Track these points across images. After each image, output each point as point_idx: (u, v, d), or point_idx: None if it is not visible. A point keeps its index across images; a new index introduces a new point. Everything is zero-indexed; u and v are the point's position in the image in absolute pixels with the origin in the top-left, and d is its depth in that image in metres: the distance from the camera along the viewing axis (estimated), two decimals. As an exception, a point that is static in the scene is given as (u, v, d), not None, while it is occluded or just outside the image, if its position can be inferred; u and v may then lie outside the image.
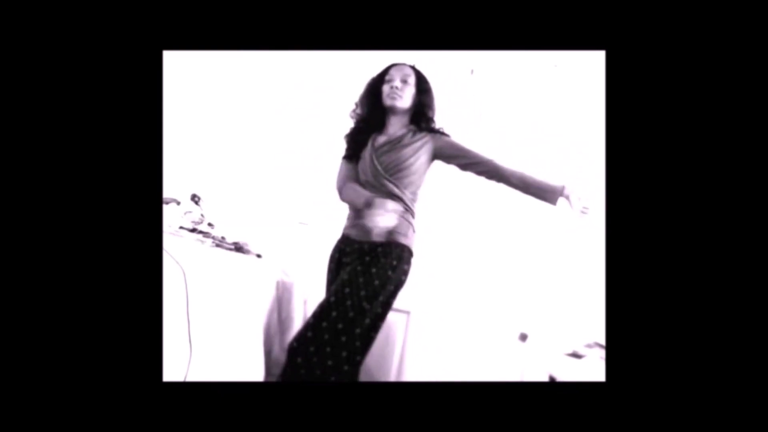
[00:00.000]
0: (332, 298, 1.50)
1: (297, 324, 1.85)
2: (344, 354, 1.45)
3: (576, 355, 1.75)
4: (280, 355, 1.75)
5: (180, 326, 1.30)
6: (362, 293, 1.49)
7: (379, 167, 1.62)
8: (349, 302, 1.48)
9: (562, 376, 1.71)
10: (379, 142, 1.67)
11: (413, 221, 1.64)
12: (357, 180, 1.68)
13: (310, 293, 1.93)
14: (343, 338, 1.45)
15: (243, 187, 2.42)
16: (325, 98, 2.36)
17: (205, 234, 1.88)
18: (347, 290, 1.50)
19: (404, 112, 1.68)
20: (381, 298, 1.52)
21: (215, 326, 1.42)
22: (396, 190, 1.61)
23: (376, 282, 1.51)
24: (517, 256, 2.24)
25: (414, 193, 1.65)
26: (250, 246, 1.90)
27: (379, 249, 1.56)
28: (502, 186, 1.64)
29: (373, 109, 1.70)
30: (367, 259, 1.55)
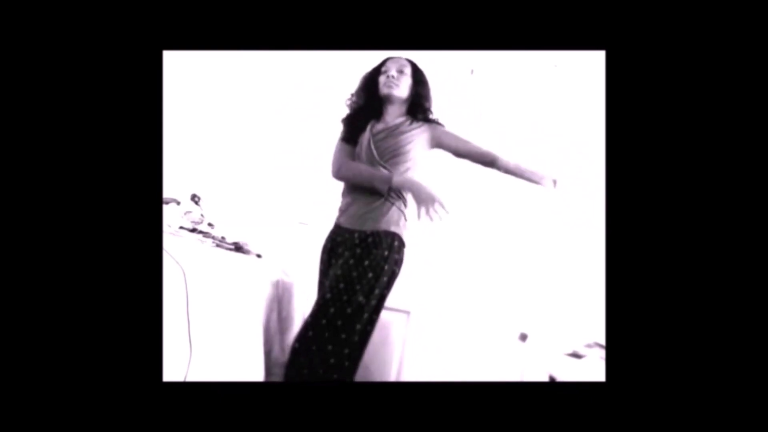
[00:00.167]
0: (328, 295, 1.50)
1: (297, 324, 1.85)
2: (346, 351, 1.46)
3: (576, 355, 1.75)
4: (280, 355, 1.75)
5: (180, 326, 1.30)
6: (357, 287, 1.49)
7: (375, 152, 1.63)
8: (345, 298, 1.48)
9: (562, 376, 1.71)
10: (376, 129, 1.69)
11: (405, 210, 1.64)
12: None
13: (310, 293, 1.93)
14: (343, 335, 1.46)
15: (243, 187, 2.42)
16: (325, 98, 2.36)
17: (205, 234, 1.88)
18: (342, 286, 1.50)
19: (401, 102, 1.70)
20: (376, 291, 1.53)
21: (215, 326, 1.42)
22: None
23: (370, 275, 1.52)
24: (517, 256, 2.24)
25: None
26: (250, 246, 1.90)
27: (370, 239, 1.56)
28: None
29: (370, 99, 1.72)
30: (359, 251, 1.55)
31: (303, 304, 1.90)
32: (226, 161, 2.45)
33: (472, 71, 2.37)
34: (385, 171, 1.61)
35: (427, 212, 1.50)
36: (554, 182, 1.68)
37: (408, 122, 1.69)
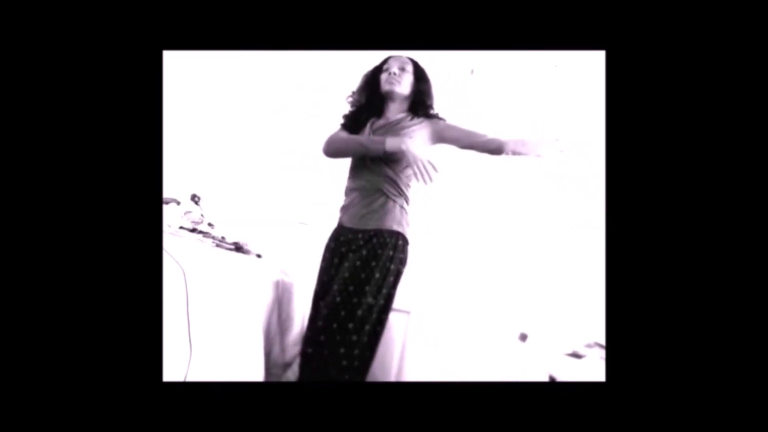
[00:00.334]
0: (338, 298, 1.50)
1: (297, 324, 1.85)
2: (356, 352, 1.47)
3: (576, 355, 1.75)
4: (280, 356, 1.76)
5: (180, 326, 1.30)
6: (366, 289, 1.50)
7: None
8: (355, 300, 1.49)
9: (562, 376, 1.71)
10: (377, 125, 1.69)
11: (407, 207, 1.64)
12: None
13: (310, 293, 1.93)
14: (354, 337, 1.46)
15: (243, 187, 2.42)
16: (325, 98, 2.36)
17: (205, 234, 1.88)
18: (351, 288, 1.50)
19: (402, 99, 1.70)
20: (384, 291, 1.53)
21: (215, 326, 1.42)
22: (391, 173, 1.61)
23: (377, 275, 1.52)
24: (517, 256, 2.24)
25: (409, 177, 1.64)
26: (250, 246, 1.90)
27: (375, 240, 1.56)
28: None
29: (371, 97, 1.72)
30: (365, 252, 1.55)
31: (303, 304, 1.90)
32: (226, 161, 2.46)
33: (472, 71, 2.37)
34: (377, 137, 1.61)
35: (421, 174, 1.49)
36: (560, 149, 1.65)
37: (409, 118, 1.69)
